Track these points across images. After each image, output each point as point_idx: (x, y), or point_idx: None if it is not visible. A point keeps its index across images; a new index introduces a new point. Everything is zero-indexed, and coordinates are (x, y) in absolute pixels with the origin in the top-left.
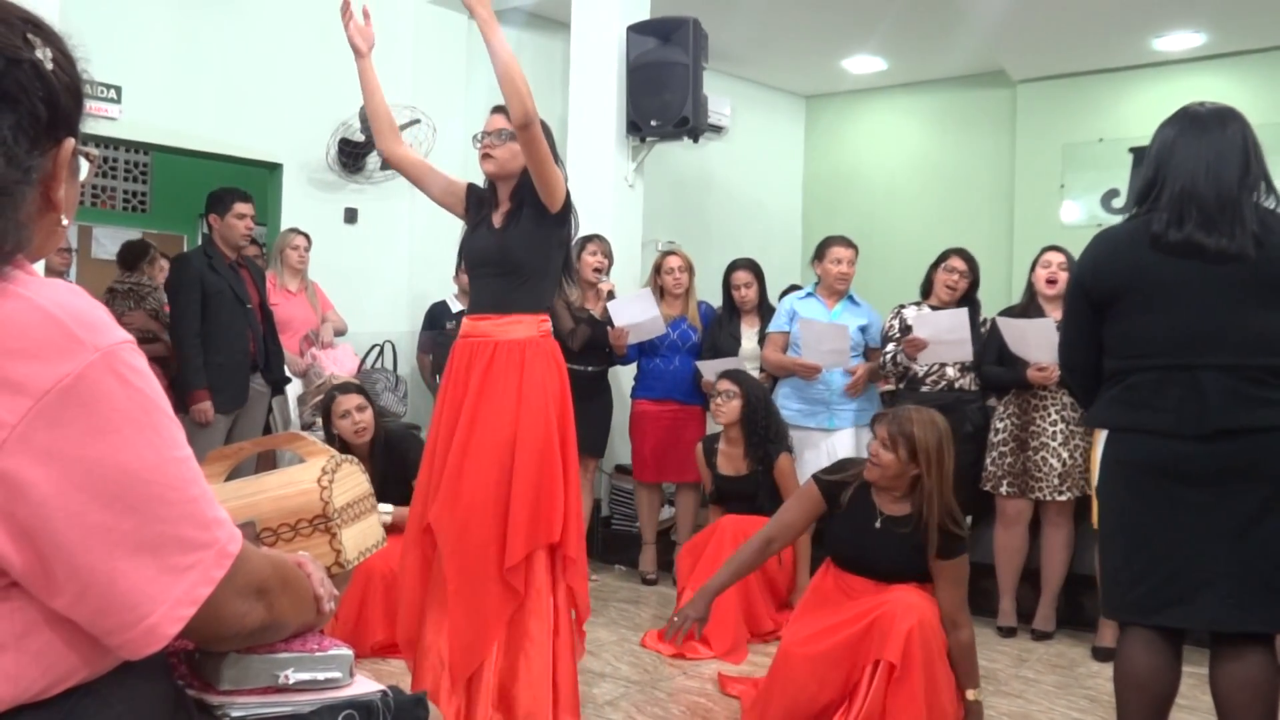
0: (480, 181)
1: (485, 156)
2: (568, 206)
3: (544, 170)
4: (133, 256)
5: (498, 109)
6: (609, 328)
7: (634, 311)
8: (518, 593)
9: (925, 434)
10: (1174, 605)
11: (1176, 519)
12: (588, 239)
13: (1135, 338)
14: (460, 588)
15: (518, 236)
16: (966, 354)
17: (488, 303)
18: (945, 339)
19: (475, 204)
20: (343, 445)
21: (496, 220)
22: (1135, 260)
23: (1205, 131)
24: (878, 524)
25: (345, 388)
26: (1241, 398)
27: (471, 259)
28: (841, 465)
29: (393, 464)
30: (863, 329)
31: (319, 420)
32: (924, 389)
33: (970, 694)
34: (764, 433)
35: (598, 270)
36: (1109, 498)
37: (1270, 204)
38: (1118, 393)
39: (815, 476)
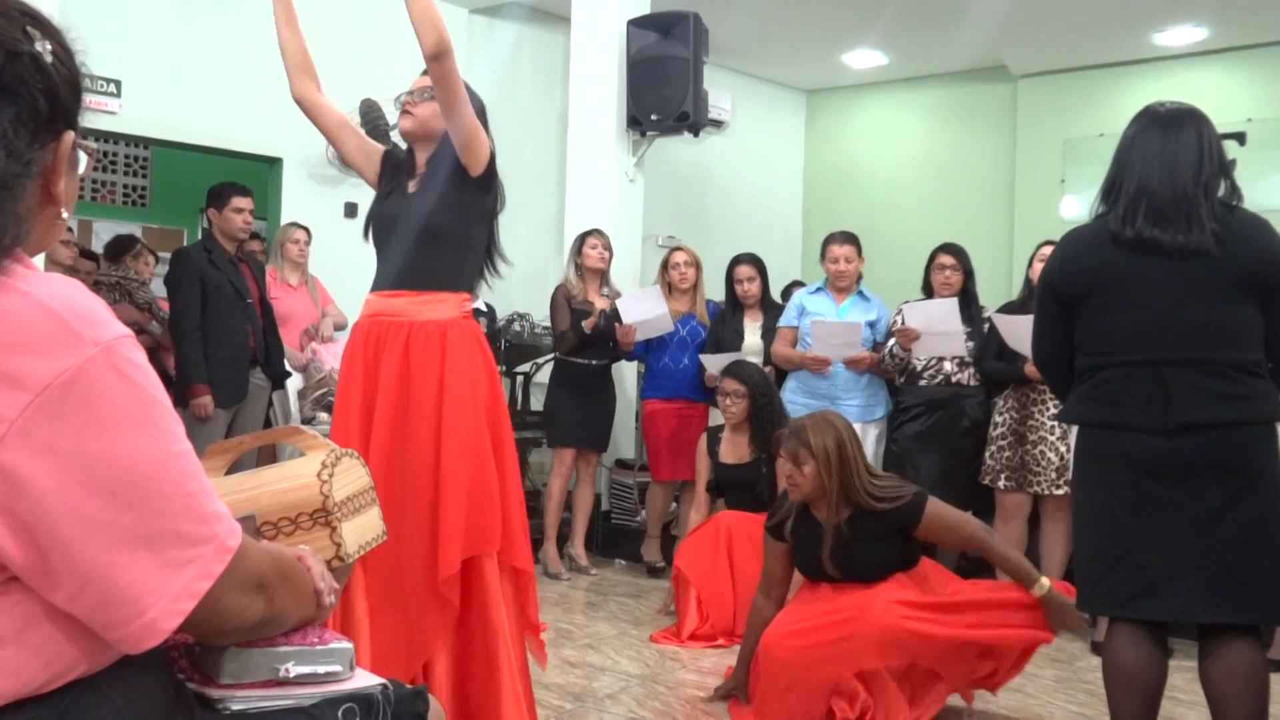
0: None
1: (404, 113)
2: (491, 173)
3: (456, 110)
4: (117, 250)
5: (426, 71)
6: (616, 324)
7: (642, 309)
8: (454, 607)
9: (820, 438)
10: (1142, 597)
11: (1145, 513)
12: (587, 233)
13: (1102, 335)
14: (378, 605)
15: (434, 201)
16: (959, 347)
17: (402, 277)
18: (936, 329)
19: (390, 170)
20: None
21: (412, 186)
22: (1099, 258)
23: (1163, 130)
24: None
25: None
26: (1205, 393)
27: (380, 226)
28: (778, 504)
29: None
30: (871, 324)
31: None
32: (921, 383)
33: (1036, 590)
34: (769, 427)
35: (601, 261)
36: (1081, 492)
37: (1234, 200)
38: (1087, 389)
39: (764, 527)
